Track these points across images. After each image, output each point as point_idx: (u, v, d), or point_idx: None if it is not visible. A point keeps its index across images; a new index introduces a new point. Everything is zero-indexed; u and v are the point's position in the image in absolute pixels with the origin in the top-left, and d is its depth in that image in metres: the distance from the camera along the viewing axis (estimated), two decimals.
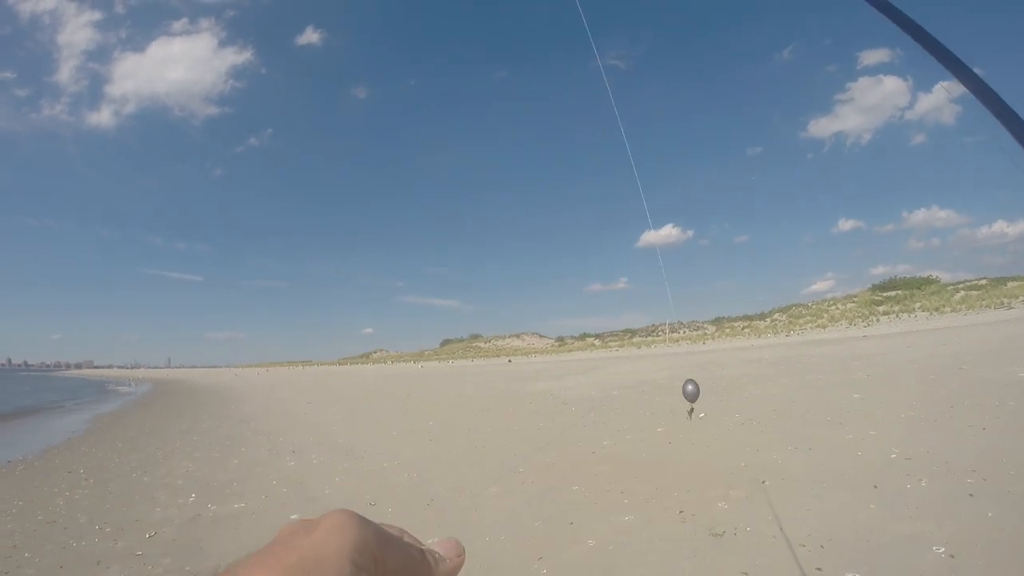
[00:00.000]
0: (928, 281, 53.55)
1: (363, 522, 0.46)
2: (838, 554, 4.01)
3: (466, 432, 10.97)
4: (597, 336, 79.30)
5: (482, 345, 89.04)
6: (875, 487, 5.33)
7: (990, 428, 6.88)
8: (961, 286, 47.43)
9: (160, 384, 55.19)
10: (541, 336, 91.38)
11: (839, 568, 3.78)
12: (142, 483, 8.59)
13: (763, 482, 5.94)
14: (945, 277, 55.76)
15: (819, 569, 3.80)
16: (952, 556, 3.74)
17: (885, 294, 52.00)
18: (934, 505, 4.72)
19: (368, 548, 0.44)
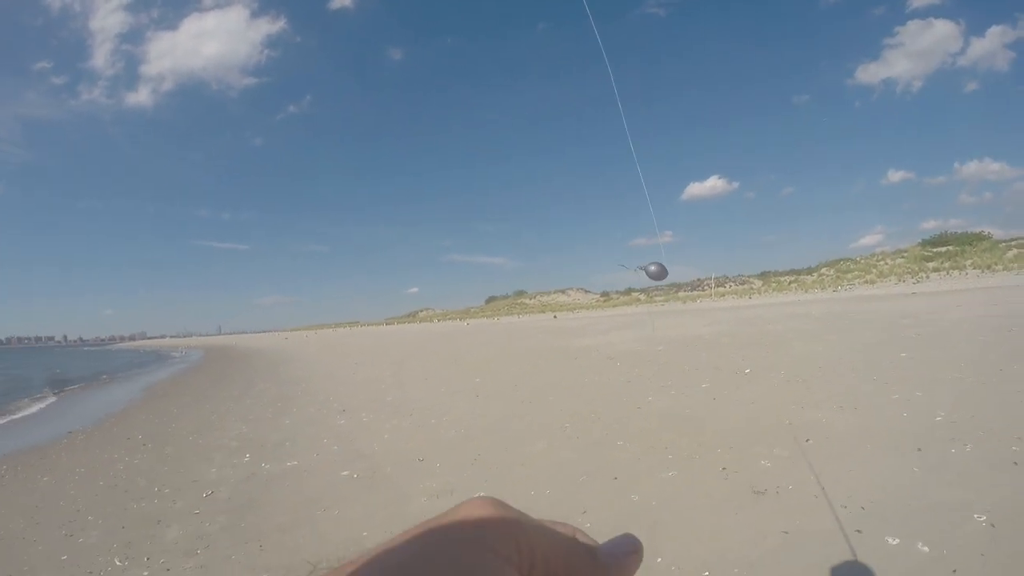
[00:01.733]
0: (980, 237, 52.00)
1: (503, 507, 0.43)
2: (879, 517, 4.09)
3: (512, 388, 11.19)
4: (642, 291, 78.97)
5: (527, 301, 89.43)
6: (919, 450, 5.37)
7: None
8: (1014, 243, 45.97)
9: (211, 350, 56.68)
10: (586, 291, 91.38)
11: (879, 531, 3.87)
12: (198, 446, 8.99)
13: (807, 440, 6.01)
14: (998, 233, 54.13)
15: (859, 531, 3.89)
16: (993, 525, 3.79)
17: (935, 250, 50.74)
18: (977, 472, 4.75)
19: (511, 534, 0.41)
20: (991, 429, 5.70)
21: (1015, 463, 4.83)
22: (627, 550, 0.47)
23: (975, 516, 3.92)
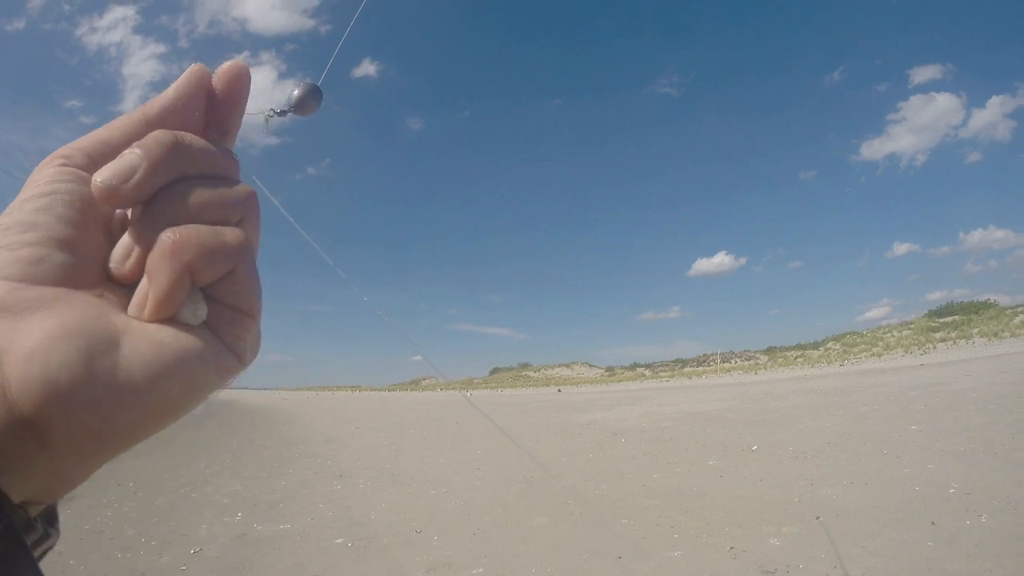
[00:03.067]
0: (986, 305, 52.06)
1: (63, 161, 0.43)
2: None
3: (514, 462, 10.99)
4: (647, 366, 78.72)
5: (532, 374, 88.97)
6: (933, 523, 5.21)
7: None
8: (1020, 309, 45.89)
9: (209, 404, 56.17)
10: (591, 365, 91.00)
11: None
12: (190, 499, 8.80)
13: (817, 518, 5.84)
14: (1004, 301, 54.20)
15: None
16: None
17: (942, 320, 50.63)
18: (994, 543, 4.59)
19: (64, 172, 0.42)
20: (1006, 498, 5.55)
21: None
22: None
23: None
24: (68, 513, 7.75)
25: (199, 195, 0.42)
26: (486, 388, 72.57)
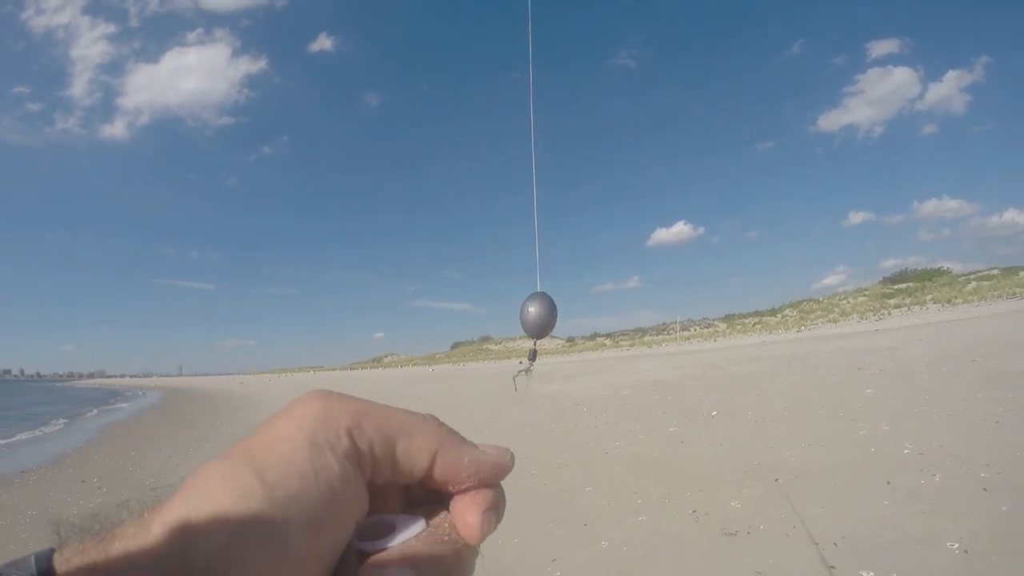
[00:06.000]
0: (939, 272, 53.44)
1: (331, 397, 0.41)
2: (852, 551, 4.00)
3: (478, 435, 10.90)
4: (608, 336, 79.38)
5: (493, 347, 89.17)
6: (888, 483, 5.32)
7: (1004, 421, 6.84)
8: (972, 277, 47.25)
9: (171, 392, 55.44)
10: (552, 336, 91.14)
11: (853, 565, 3.77)
12: (155, 492, 8.59)
13: (776, 480, 5.92)
14: (956, 268, 55.72)
15: (832, 567, 3.79)
16: (966, 552, 3.72)
17: (896, 287, 51.84)
18: (948, 500, 4.70)
19: (333, 422, 0.39)
20: (959, 458, 5.68)
21: (984, 489, 4.79)
22: (498, 450, 0.46)
23: (948, 544, 3.85)
24: (32, 515, 7.59)
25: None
26: (448, 363, 72.60)
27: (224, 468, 0.37)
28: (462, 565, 0.42)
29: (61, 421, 24.27)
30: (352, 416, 0.40)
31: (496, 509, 0.45)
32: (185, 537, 0.34)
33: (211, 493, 0.36)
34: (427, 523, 0.42)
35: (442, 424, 0.44)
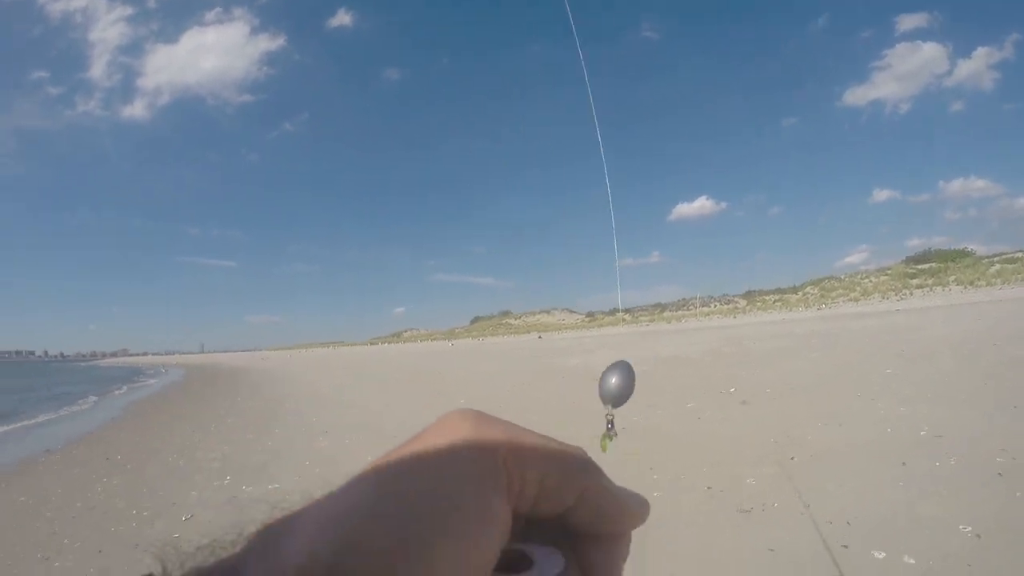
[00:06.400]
0: (963, 254, 52.68)
1: (480, 419, 0.38)
2: (865, 531, 4.06)
3: (497, 410, 10.96)
4: (627, 311, 79.23)
5: (512, 322, 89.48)
6: (904, 464, 5.36)
7: (1022, 407, 6.84)
8: (996, 259, 46.50)
9: (193, 370, 56.00)
10: (571, 311, 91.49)
11: (866, 545, 3.84)
12: (178, 467, 8.80)
13: (792, 458, 5.98)
14: (981, 250, 54.97)
15: (845, 546, 3.85)
16: (979, 536, 3.77)
17: (919, 267, 51.25)
18: (963, 484, 4.74)
19: (489, 449, 0.36)
20: (976, 442, 5.71)
21: (999, 474, 4.82)
22: (638, 499, 0.42)
23: (961, 527, 3.90)
24: (58, 493, 7.76)
25: None
26: (468, 337, 72.81)
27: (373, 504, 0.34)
28: None
29: (91, 399, 24.72)
30: (506, 444, 0.37)
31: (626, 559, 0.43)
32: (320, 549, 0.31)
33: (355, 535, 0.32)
34: (564, 561, 0.39)
35: (591, 461, 0.40)
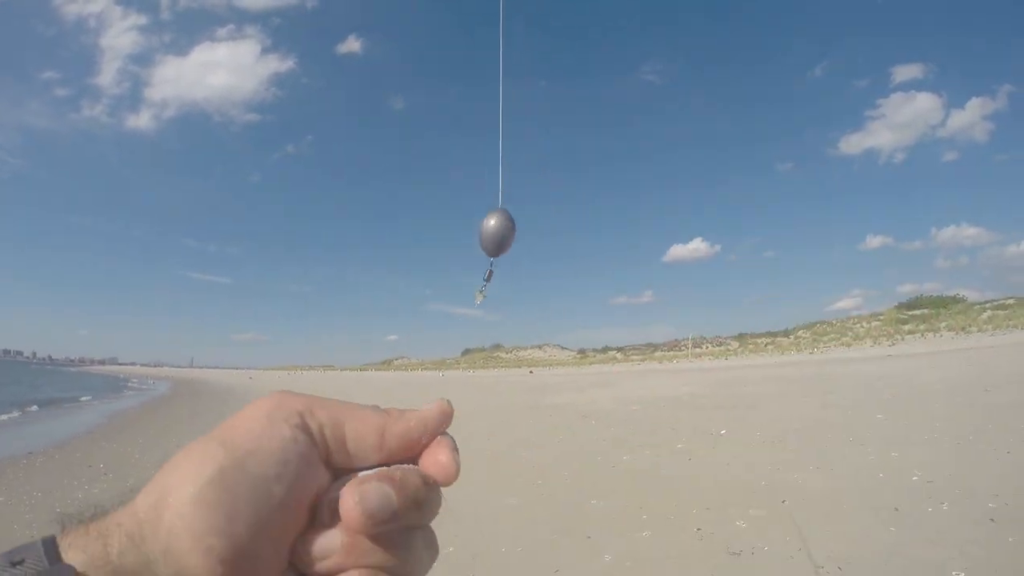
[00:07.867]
0: (955, 300, 53.03)
1: (287, 392, 0.48)
2: None
3: (485, 442, 11.00)
4: (619, 349, 79.22)
5: (503, 355, 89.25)
6: (896, 509, 5.30)
7: (1015, 452, 6.80)
8: (988, 305, 46.81)
9: (180, 384, 55.71)
10: (563, 348, 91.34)
11: None
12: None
13: (783, 501, 5.91)
14: (972, 296, 55.26)
15: None
16: None
17: (911, 312, 51.46)
18: (955, 529, 4.69)
19: (287, 406, 0.46)
20: (968, 487, 5.66)
21: (992, 519, 4.77)
22: (435, 408, 0.52)
23: (953, 573, 3.84)
24: (38, 496, 7.67)
25: (416, 551, 0.46)
26: (458, 369, 72.56)
27: (192, 445, 0.45)
28: (435, 497, 0.48)
29: (72, 404, 24.98)
30: (303, 403, 0.46)
31: (456, 450, 0.50)
32: (159, 500, 0.43)
33: (180, 463, 0.44)
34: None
35: (383, 407, 0.50)
